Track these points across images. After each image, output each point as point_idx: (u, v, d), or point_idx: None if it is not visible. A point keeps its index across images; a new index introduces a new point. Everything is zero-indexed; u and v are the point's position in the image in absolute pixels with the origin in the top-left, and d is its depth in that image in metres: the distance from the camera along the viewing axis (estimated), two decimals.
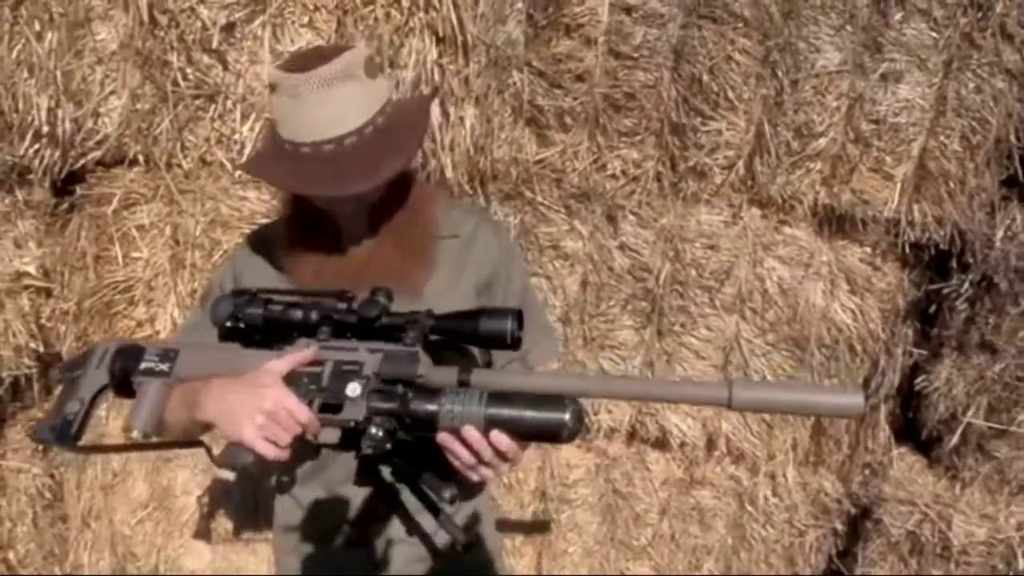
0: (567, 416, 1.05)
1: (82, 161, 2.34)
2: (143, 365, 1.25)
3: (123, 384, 1.26)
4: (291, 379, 1.16)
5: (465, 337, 1.19)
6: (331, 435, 1.15)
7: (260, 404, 1.11)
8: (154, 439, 1.24)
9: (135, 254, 2.46)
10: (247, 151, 2.30)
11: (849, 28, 2.09)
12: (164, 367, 1.25)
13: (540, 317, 1.63)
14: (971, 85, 2.11)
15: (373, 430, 1.10)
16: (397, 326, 1.19)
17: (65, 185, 2.42)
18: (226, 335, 1.26)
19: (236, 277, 1.49)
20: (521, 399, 1.08)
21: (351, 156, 1.26)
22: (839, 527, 2.59)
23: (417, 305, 1.27)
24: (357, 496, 1.46)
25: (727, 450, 2.57)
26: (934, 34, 2.08)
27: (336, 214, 1.40)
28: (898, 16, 2.07)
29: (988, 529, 2.32)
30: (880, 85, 2.13)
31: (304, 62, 1.27)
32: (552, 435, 1.07)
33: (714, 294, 2.39)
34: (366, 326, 1.20)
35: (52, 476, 2.63)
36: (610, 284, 2.43)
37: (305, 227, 1.42)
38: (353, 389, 1.12)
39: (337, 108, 1.25)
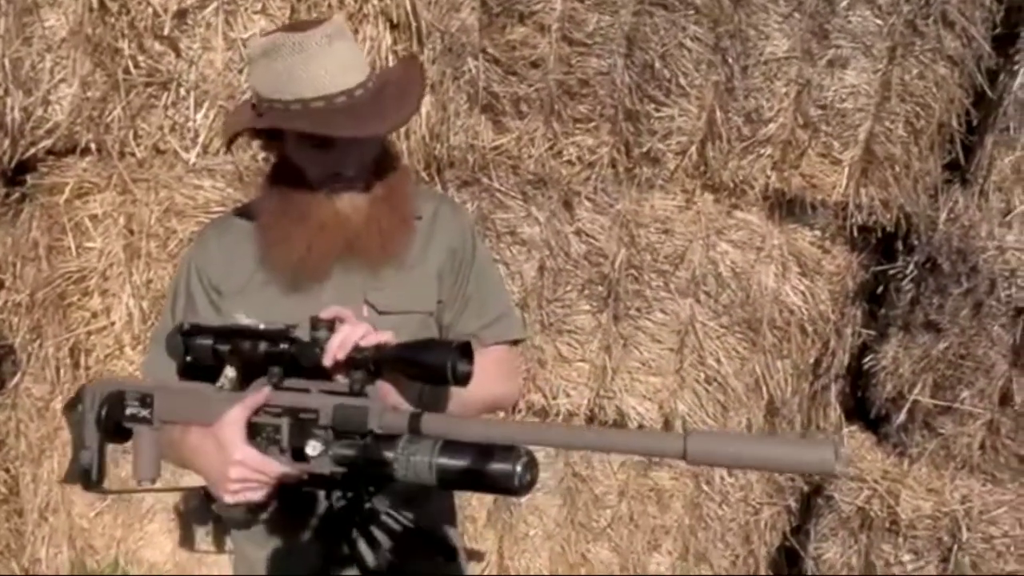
0: (518, 468, 1.01)
1: (32, 150, 2.31)
2: (128, 411, 1.29)
3: (115, 432, 1.30)
4: (253, 431, 1.20)
5: (409, 370, 1.15)
6: (323, 465, 1.17)
7: (227, 472, 1.17)
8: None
9: (88, 244, 2.44)
10: (201, 140, 2.29)
11: (797, 15, 2.13)
12: (145, 412, 1.28)
13: (500, 296, 1.65)
14: (914, 71, 2.16)
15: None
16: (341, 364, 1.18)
17: (15, 175, 2.38)
18: (188, 369, 1.30)
19: (200, 274, 1.48)
20: (473, 449, 1.04)
21: (363, 105, 1.30)
22: (792, 504, 2.65)
23: (404, 276, 1.39)
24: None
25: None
26: (879, 21, 2.12)
27: (337, 175, 1.39)
28: (844, 3, 2.11)
29: (934, 503, 2.38)
30: (827, 71, 2.18)
31: (297, 27, 1.32)
32: (503, 488, 1.02)
33: (669, 278, 2.43)
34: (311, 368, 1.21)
35: (7, 470, 2.60)
36: (567, 269, 2.46)
37: (287, 209, 1.42)
38: (314, 447, 1.14)
39: (344, 62, 1.30)
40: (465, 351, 1.12)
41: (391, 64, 2.19)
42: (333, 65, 1.28)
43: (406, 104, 1.37)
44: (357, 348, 1.16)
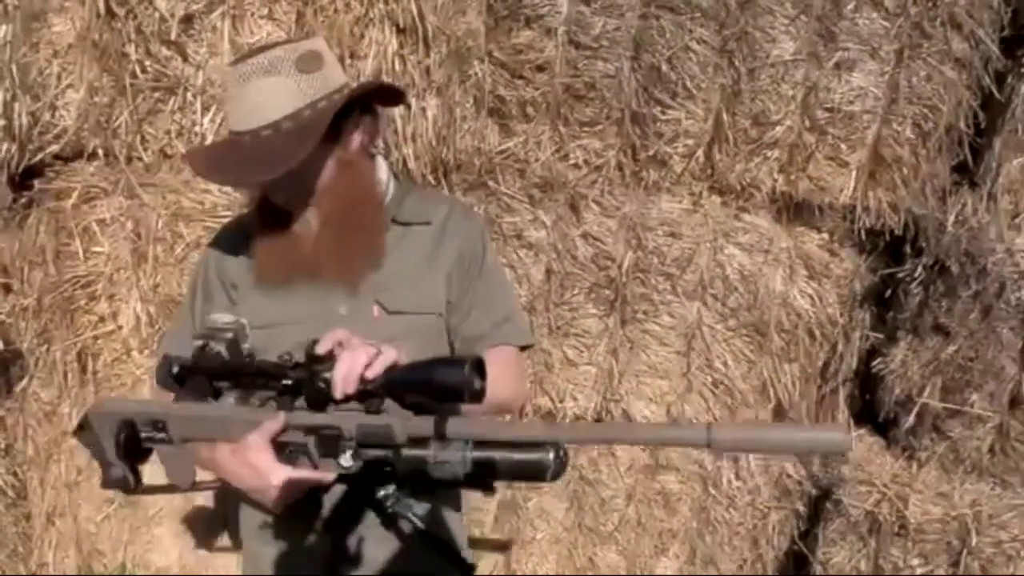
0: (550, 456, 1.05)
1: (40, 155, 2.31)
2: (143, 434, 1.29)
3: (137, 455, 1.31)
4: (279, 448, 1.20)
5: (421, 391, 1.14)
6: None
7: (270, 494, 1.21)
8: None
9: (96, 249, 2.44)
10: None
11: (804, 18, 2.13)
12: (162, 435, 1.28)
13: (509, 299, 1.66)
14: (922, 73, 2.16)
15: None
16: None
17: (23, 180, 2.38)
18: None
19: (218, 271, 1.52)
20: (503, 443, 1.08)
21: (261, 147, 1.31)
22: (800, 508, 2.64)
23: (414, 277, 1.41)
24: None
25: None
26: (886, 23, 2.12)
27: (283, 203, 1.42)
28: (851, 6, 2.11)
29: (943, 507, 2.37)
30: (834, 74, 2.17)
31: (244, 55, 1.33)
32: (536, 474, 1.07)
33: (676, 281, 2.42)
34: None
35: (15, 474, 2.60)
36: (574, 273, 2.46)
37: (269, 219, 1.45)
38: (347, 459, 1.16)
39: (256, 101, 1.30)
40: (478, 367, 1.11)
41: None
42: (246, 103, 1.30)
43: (294, 151, 1.31)
44: (364, 380, 1.15)
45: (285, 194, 1.39)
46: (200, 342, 1.21)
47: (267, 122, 1.30)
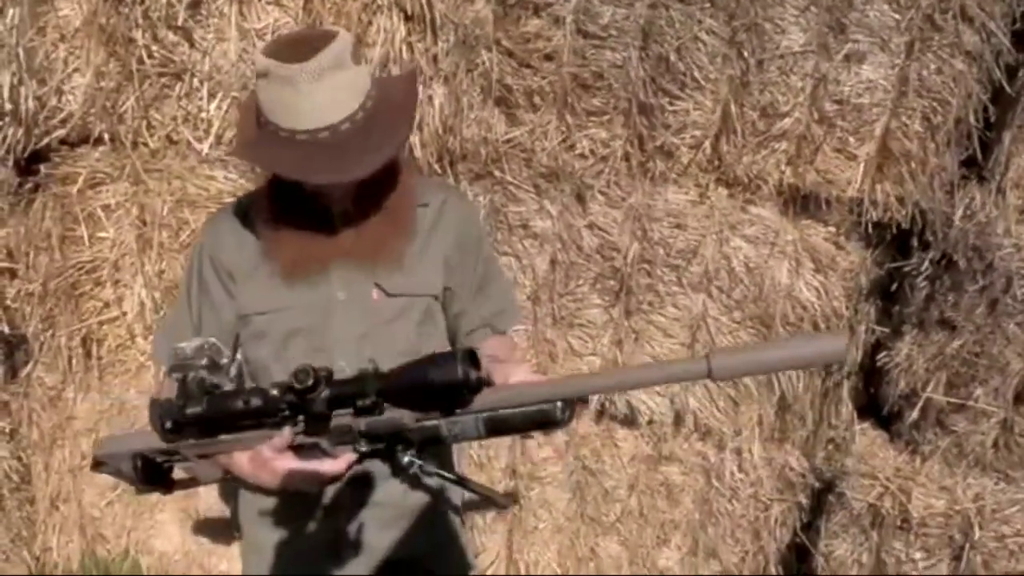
0: (557, 402, 1.08)
1: (46, 140, 2.31)
2: (159, 460, 1.31)
3: (160, 481, 1.34)
4: (294, 449, 1.21)
5: (417, 395, 1.12)
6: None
7: (300, 488, 1.25)
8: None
9: (101, 234, 2.44)
10: (214, 130, 2.29)
11: (813, 9, 2.11)
12: (177, 457, 1.30)
13: (505, 285, 1.69)
14: (932, 66, 2.14)
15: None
16: (344, 397, 1.15)
17: (29, 164, 2.38)
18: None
19: (213, 260, 1.51)
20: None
21: (347, 142, 1.31)
22: (803, 501, 2.64)
23: (412, 260, 1.43)
24: None
25: (694, 426, 2.61)
26: (896, 15, 2.10)
27: (325, 194, 1.42)
28: None
29: (946, 501, 2.37)
30: (844, 66, 2.16)
31: (295, 51, 1.30)
32: (548, 422, 1.10)
33: (681, 273, 2.42)
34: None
35: (19, 459, 2.61)
36: (579, 263, 2.45)
37: (288, 204, 1.44)
38: (361, 446, 1.19)
39: (331, 97, 1.30)
40: (471, 359, 1.09)
41: (397, 68, 2.18)
42: (322, 101, 1.30)
43: (391, 137, 1.36)
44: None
45: (348, 185, 1.40)
46: (177, 375, 1.17)
47: (343, 117, 1.31)
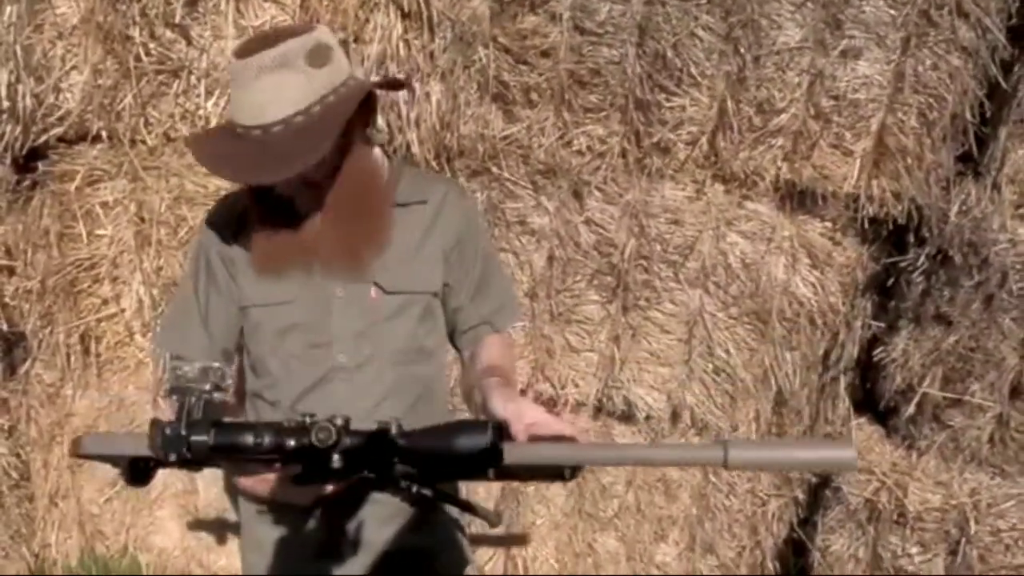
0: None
1: (44, 137, 2.32)
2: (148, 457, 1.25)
3: (144, 477, 1.28)
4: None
5: (440, 457, 1.10)
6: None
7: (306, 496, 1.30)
8: None
9: (99, 231, 2.45)
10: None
11: (810, 5, 2.12)
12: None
13: (504, 281, 1.69)
14: (928, 62, 2.15)
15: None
16: (362, 453, 1.12)
17: (27, 162, 2.39)
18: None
19: (217, 249, 1.53)
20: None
21: (274, 144, 1.29)
22: (800, 496, 2.65)
23: (411, 257, 1.43)
24: None
25: (691, 422, 2.61)
26: (892, 11, 2.11)
27: (282, 191, 1.41)
28: None
29: (942, 496, 2.38)
30: (840, 62, 2.16)
31: (251, 47, 1.30)
32: (555, 478, 1.12)
33: (678, 269, 2.42)
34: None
35: (18, 456, 2.62)
36: (576, 259, 2.46)
37: (265, 208, 1.44)
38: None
39: (269, 97, 1.28)
40: (499, 432, 1.08)
41: (394, 65, 2.18)
42: (258, 98, 1.28)
43: (309, 150, 1.30)
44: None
45: (290, 186, 1.38)
46: (178, 398, 1.13)
47: (278, 118, 1.28)
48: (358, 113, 1.38)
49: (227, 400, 1.16)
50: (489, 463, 1.06)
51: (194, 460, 1.12)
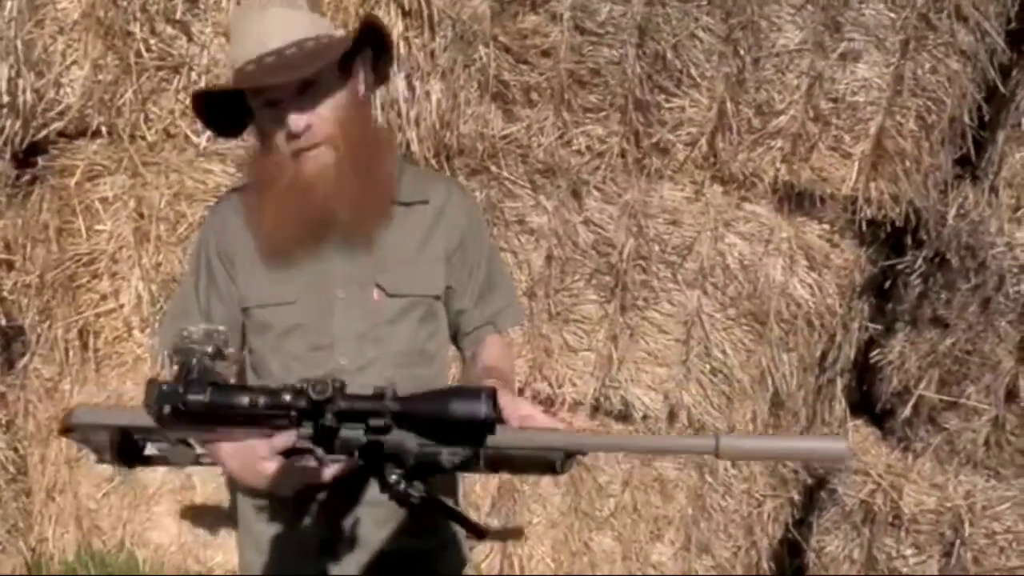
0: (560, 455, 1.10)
1: (44, 132, 2.32)
2: (137, 437, 1.27)
3: (136, 460, 1.29)
4: (284, 453, 1.19)
5: (434, 421, 1.10)
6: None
7: (265, 487, 1.25)
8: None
9: (99, 227, 2.45)
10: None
11: (810, 7, 2.12)
12: (158, 437, 1.26)
13: (506, 282, 1.68)
14: (927, 65, 2.15)
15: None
16: (358, 413, 1.12)
17: (27, 156, 2.39)
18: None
19: (216, 249, 1.52)
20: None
21: (291, 59, 1.32)
22: (795, 497, 2.66)
23: (413, 259, 1.42)
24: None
25: (688, 422, 2.62)
26: (892, 15, 2.12)
27: (295, 150, 1.38)
28: None
29: (937, 498, 2.38)
30: (839, 64, 2.17)
31: None
32: (548, 469, 1.12)
33: (676, 269, 2.43)
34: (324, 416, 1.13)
35: (16, 450, 2.62)
36: (574, 259, 2.46)
37: (260, 179, 1.44)
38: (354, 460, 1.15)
39: (277, 24, 1.33)
40: (493, 398, 1.08)
41: (395, 65, 2.19)
42: (266, 27, 1.32)
43: (323, 55, 1.35)
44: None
45: (307, 120, 1.36)
46: (179, 359, 1.11)
47: (290, 41, 1.32)
48: (363, 70, 1.42)
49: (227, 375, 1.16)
50: (483, 429, 1.06)
51: (188, 414, 1.09)
